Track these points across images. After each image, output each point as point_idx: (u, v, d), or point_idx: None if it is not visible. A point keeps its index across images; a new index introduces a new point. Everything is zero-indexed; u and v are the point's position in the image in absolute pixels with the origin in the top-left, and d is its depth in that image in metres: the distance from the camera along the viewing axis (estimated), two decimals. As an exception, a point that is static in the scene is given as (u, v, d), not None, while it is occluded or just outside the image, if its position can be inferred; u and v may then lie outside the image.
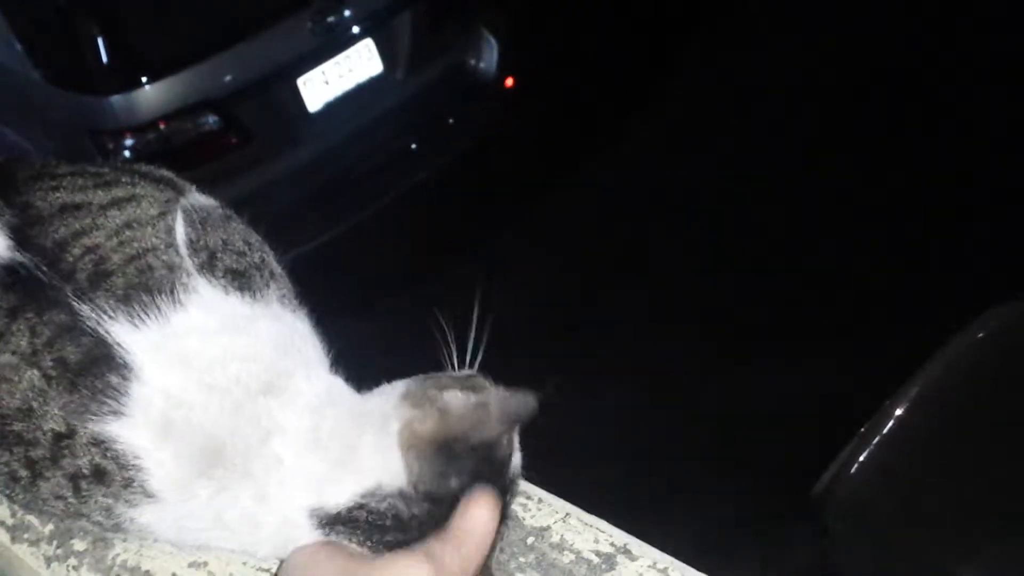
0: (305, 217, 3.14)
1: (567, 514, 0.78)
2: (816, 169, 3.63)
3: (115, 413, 0.64)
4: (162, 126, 2.78)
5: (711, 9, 4.60)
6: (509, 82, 3.57)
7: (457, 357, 0.74)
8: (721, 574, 0.73)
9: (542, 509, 0.79)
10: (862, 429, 1.81)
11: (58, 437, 0.64)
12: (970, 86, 3.82)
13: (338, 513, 0.66)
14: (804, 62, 4.06)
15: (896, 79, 3.97)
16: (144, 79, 2.75)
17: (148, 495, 0.65)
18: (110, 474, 0.64)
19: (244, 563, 0.77)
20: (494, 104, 3.59)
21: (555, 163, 3.82)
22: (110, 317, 0.65)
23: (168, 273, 0.67)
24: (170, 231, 0.70)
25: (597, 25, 4.39)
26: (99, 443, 0.64)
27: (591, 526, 0.77)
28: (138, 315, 0.65)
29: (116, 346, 0.64)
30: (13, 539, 0.80)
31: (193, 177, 0.80)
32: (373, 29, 3.15)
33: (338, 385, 0.72)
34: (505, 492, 0.70)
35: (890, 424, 1.79)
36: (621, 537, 0.76)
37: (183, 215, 0.72)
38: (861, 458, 1.77)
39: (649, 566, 0.74)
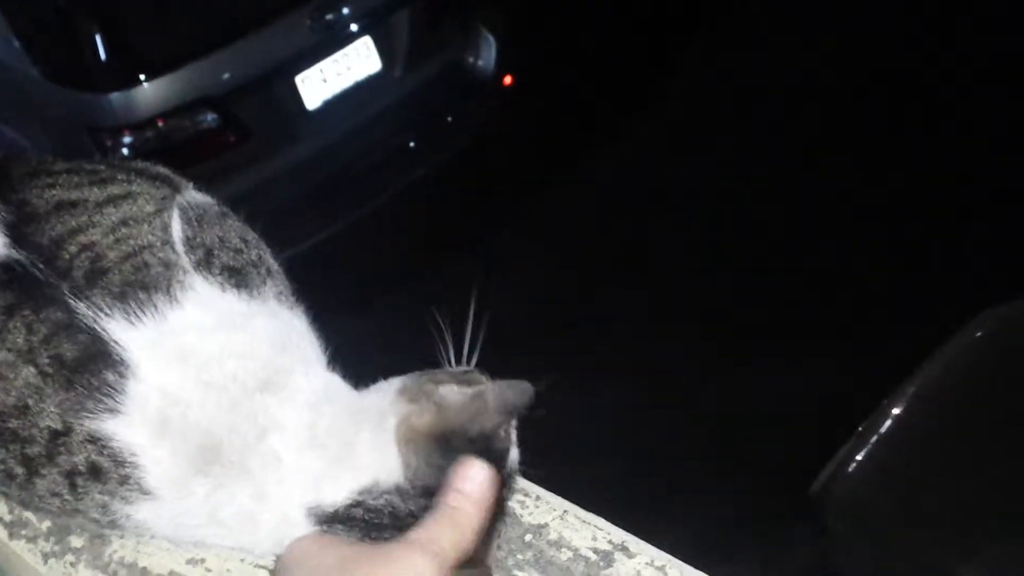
0: (303, 214, 3.14)
1: (565, 511, 0.79)
2: (816, 169, 3.63)
3: (111, 411, 0.64)
4: (160, 123, 2.78)
5: (711, 9, 4.59)
6: (507, 80, 3.57)
7: (454, 354, 0.74)
8: (721, 573, 0.73)
9: (540, 506, 0.79)
10: (860, 428, 1.81)
11: (54, 434, 0.64)
12: (970, 86, 3.81)
13: (335, 511, 0.66)
14: (804, 62, 4.05)
15: (896, 79, 3.97)
16: (143, 76, 2.74)
17: (145, 492, 0.65)
18: (106, 471, 0.65)
19: (242, 560, 0.77)
20: (492, 102, 3.59)
21: (554, 161, 3.82)
22: (106, 315, 0.65)
23: (164, 270, 0.67)
24: (166, 228, 0.70)
25: (597, 24, 4.39)
26: (95, 440, 0.64)
27: (589, 523, 0.77)
28: (134, 312, 0.65)
29: (113, 343, 0.64)
30: (11, 535, 0.80)
31: (191, 175, 0.81)
32: (371, 27, 3.15)
33: (335, 382, 0.72)
34: (503, 486, 0.70)
35: (888, 423, 1.79)
36: (619, 534, 0.76)
37: (179, 212, 0.72)
38: (859, 457, 1.77)
39: (647, 563, 0.74)
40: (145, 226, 0.70)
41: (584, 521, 0.78)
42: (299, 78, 3.04)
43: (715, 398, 2.91)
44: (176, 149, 2.81)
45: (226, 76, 2.87)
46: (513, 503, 0.78)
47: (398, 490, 0.67)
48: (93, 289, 0.65)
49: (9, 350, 0.65)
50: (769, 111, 3.93)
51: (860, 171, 3.62)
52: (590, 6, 4.41)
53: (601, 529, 0.77)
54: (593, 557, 0.75)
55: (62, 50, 2.80)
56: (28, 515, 0.80)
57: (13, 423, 0.65)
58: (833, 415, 2.04)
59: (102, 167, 0.76)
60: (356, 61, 3.16)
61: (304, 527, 0.67)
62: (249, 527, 0.67)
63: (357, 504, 0.66)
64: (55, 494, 0.66)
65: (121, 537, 0.77)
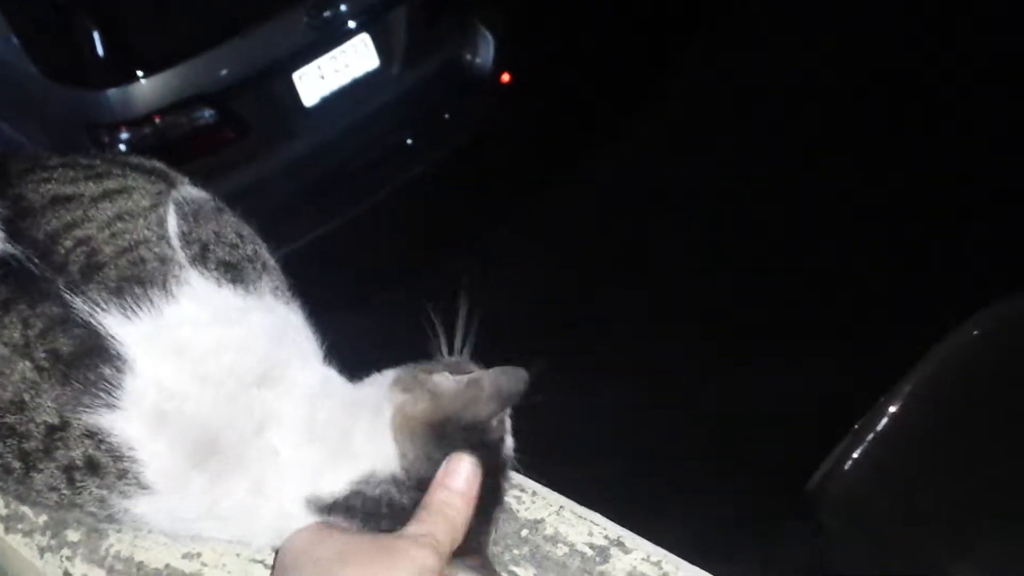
0: (301, 211, 3.14)
1: (561, 507, 0.79)
2: (816, 169, 3.63)
3: (108, 405, 0.64)
4: (158, 120, 2.78)
5: (711, 8, 4.59)
6: (505, 77, 3.57)
7: (447, 346, 0.74)
8: (721, 573, 0.72)
9: (536, 502, 0.79)
10: (856, 426, 1.81)
11: (51, 429, 0.64)
12: (970, 86, 3.81)
13: (334, 502, 0.67)
14: (804, 62, 4.05)
15: (896, 79, 3.97)
16: (140, 73, 2.75)
17: (142, 487, 0.65)
18: (104, 466, 0.65)
19: (237, 554, 0.77)
20: (490, 99, 3.59)
21: (554, 160, 3.82)
22: (103, 309, 0.65)
23: (160, 265, 0.68)
24: (162, 223, 0.71)
25: (597, 24, 4.39)
26: (92, 435, 0.64)
27: (585, 519, 0.77)
28: (131, 307, 0.65)
29: (109, 338, 0.64)
30: (7, 529, 0.80)
31: (189, 171, 0.81)
32: (369, 24, 3.15)
33: (332, 376, 0.73)
34: (499, 474, 0.70)
35: (884, 421, 1.78)
36: (615, 530, 0.76)
37: (175, 208, 0.72)
38: (855, 455, 1.76)
39: (643, 559, 0.74)
40: (141, 221, 0.70)
41: (580, 516, 0.78)
42: (297, 75, 3.04)
43: (715, 398, 2.91)
44: (173, 145, 2.81)
45: (224, 73, 2.88)
46: (510, 499, 0.78)
47: (394, 480, 0.67)
48: (89, 284, 0.65)
49: (5, 344, 0.65)
50: (769, 111, 3.93)
51: (860, 171, 3.62)
52: (590, 5, 4.41)
53: (597, 524, 0.77)
54: (589, 552, 0.75)
55: (60, 47, 2.81)
56: (24, 509, 0.81)
57: (10, 418, 0.65)
58: (833, 415, 2.04)
59: (97, 162, 0.76)
60: (354, 58, 3.16)
61: (303, 518, 0.67)
62: (248, 520, 0.68)
63: (356, 494, 0.67)
64: (53, 488, 0.66)
65: (118, 531, 0.77)
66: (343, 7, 3.03)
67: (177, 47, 2.80)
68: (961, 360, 1.83)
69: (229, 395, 0.66)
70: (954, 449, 1.76)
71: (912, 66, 3.95)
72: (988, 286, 2.08)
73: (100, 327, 0.64)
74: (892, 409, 1.79)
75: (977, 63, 3.88)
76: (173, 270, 0.68)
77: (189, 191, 0.76)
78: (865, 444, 1.77)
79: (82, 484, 0.65)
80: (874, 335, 2.94)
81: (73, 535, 0.79)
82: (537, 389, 0.69)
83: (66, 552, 0.78)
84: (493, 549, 0.73)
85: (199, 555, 0.77)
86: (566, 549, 0.76)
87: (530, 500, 0.79)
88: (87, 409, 0.64)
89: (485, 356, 0.74)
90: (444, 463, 0.66)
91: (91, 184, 0.72)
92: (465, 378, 0.69)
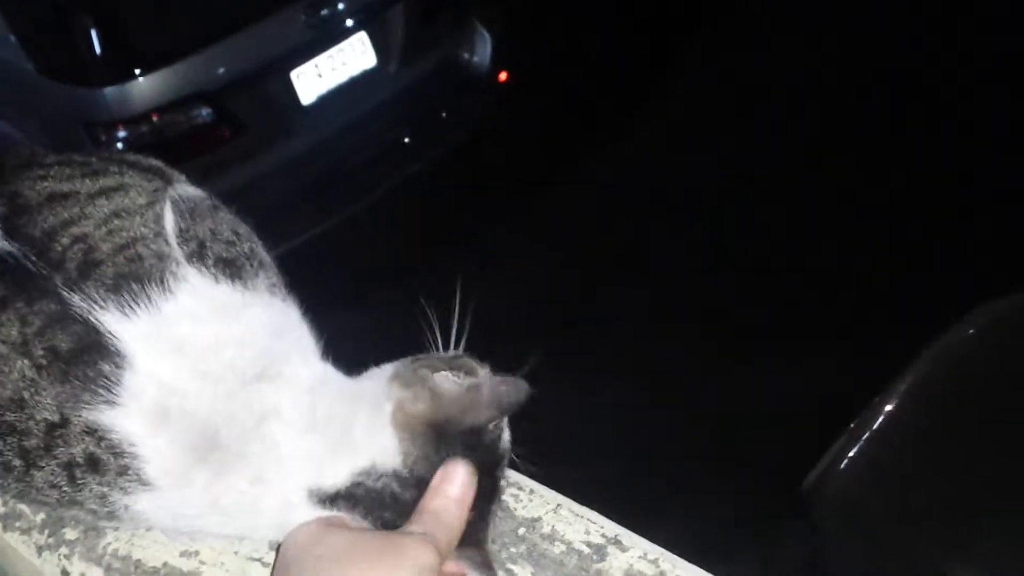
0: (298, 209, 3.15)
1: (558, 505, 0.79)
2: (818, 169, 3.63)
3: (109, 402, 0.64)
4: (155, 118, 2.78)
5: (713, 8, 4.59)
6: (503, 76, 3.58)
7: (442, 339, 0.75)
8: (721, 573, 0.72)
9: (533, 500, 0.79)
10: (851, 425, 1.80)
11: (51, 427, 0.64)
12: (971, 86, 3.81)
13: (336, 492, 0.67)
14: (806, 62, 4.05)
15: (898, 79, 3.97)
16: (137, 71, 2.75)
17: (143, 483, 0.65)
18: (105, 463, 0.65)
19: (235, 552, 0.77)
20: (487, 98, 3.60)
21: (555, 160, 3.82)
22: (100, 306, 0.65)
23: (158, 262, 0.68)
24: (159, 220, 0.71)
25: (599, 23, 4.39)
26: (93, 432, 0.64)
27: (582, 517, 0.77)
28: (128, 304, 0.65)
29: (107, 335, 0.64)
30: (5, 528, 0.80)
31: (186, 169, 0.81)
32: (366, 22, 3.15)
33: (330, 370, 0.73)
34: (495, 469, 0.70)
35: (879, 420, 1.78)
36: (612, 528, 0.76)
37: (172, 205, 0.72)
38: (850, 454, 1.76)
39: (640, 557, 0.74)
40: (137, 218, 0.70)
41: (577, 515, 0.78)
42: (294, 73, 3.04)
43: (715, 398, 2.91)
44: (170, 144, 2.81)
45: (221, 71, 2.88)
46: (507, 497, 0.78)
47: (396, 475, 0.67)
48: (86, 281, 0.65)
49: (3, 342, 0.65)
50: (771, 111, 3.93)
51: (861, 171, 3.62)
52: (592, 5, 4.41)
53: (594, 523, 0.77)
54: (586, 550, 0.75)
55: (57, 45, 2.81)
56: (22, 507, 0.81)
57: (10, 416, 0.65)
58: (833, 415, 2.03)
59: (93, 160, 0.76)
60: (351, 56, 3.16)
61: (305, 510, 0.67)
62: (250, 514, 0.68)
63: (357, 485, 0.67)
64: (54, 486, 0.66)
65: (116, 529, 0.77)
66: (340, 5, 3.04)
67: (174, 45, 2.81)
68: (955, 358, 1.83)
69: (229, 390, 0.66)
70: (949, 448, 1.76)
71: (913, 66, 3.95)
72: (989, 286, 2.08)
73: (98, 324, 0.64)
74: (887, 408, 1.79)
75: (978, 63, 3.88)
76: (170, 267, 0.68)
77: (185, 189, 0.76)
78: (860, 443, 1.77)
79: (83, 481, 0.66)
80: (874, 335, 2.94)
81: (71, 533, 0.79)
82: (535, 385, 0.70)
83: (64, 550, 0.78)
84: (491, 547, 0.73)
85: (197, 553, 0.77)
86: (563, 547, 0.76)
87: (527, 498, 0.79)
88: (87, 406, 0.64)
89: (485, 356, 0.75)
90: (440, 469, 0.67)
91: (87, 181, 0.72)
92: (466, 382, 0.69)
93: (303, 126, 3.14)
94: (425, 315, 0.74)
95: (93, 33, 2.68)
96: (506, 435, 0.72)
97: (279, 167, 3.11)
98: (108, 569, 0.77)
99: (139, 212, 0.70)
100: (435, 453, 0.68)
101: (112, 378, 0.64)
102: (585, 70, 4.15)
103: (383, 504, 0.67)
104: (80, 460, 0.65)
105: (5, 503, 0.81)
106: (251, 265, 0.72)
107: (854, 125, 3.83)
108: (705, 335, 3.07)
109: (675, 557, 0.74)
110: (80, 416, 0.64)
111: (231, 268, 0.70)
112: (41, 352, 0.64)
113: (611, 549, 0.75)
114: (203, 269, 0.69)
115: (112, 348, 0.64)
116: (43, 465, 0.65)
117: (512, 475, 0.77)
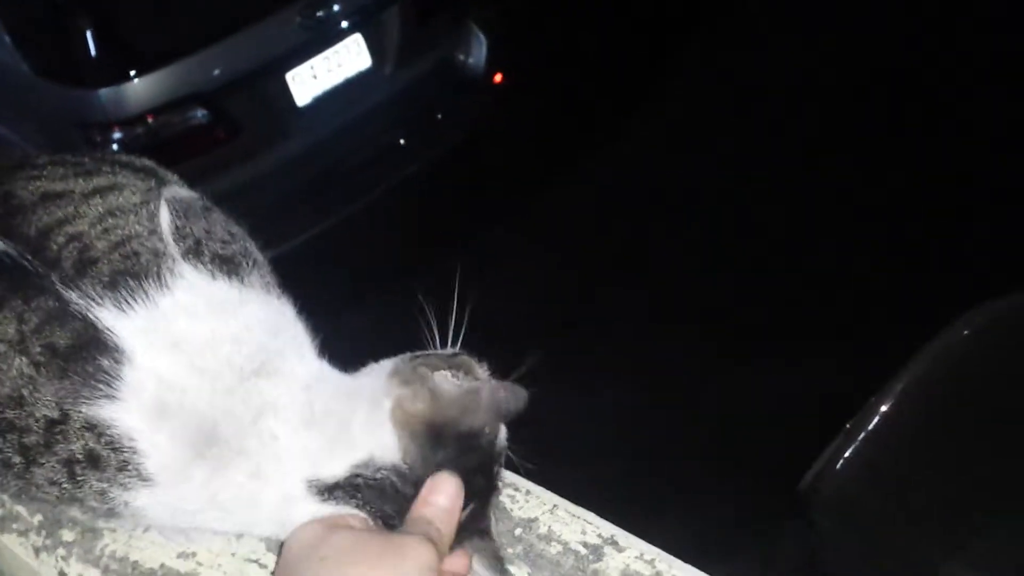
0: (295, 211, 3.14)
1: (555, 506, 0.79)
2: (816, 169, 3.63)
3: (108, 396, 0.64)
4: (150, 120, 2.78)
5: (711, 8, 4.59)
6: (498, 77, 3.57)
7: (439, 337, 0.75)
8: (721, 573, 0.72)
9: (530, 501, 0.79)
10: (847, 425, 1.80)
11: (51, 423, 0.64)
12: (970, 86, 3.81)
13: (335, 483, 0.67)
14: (804, 62, 4.05)
15: (896, 79, 3.97)
16: (133, 72, 2.74)
17: (143, 479, 0.66)
18: (104, 458, 0.65)
19: (233, 554, 0.77)
20: (483, 99, 3.60)
21: (553, 160, 3.82)
22: (98, 303, 0.65)
23: (153, 259, 0.68)
24: (153, 218, 0.71)
25: (597, 24, 4.39)
26: (92, 428, 0.64)
27: (579, 517, 0.77)
28: (125, 300, 0.66)
29: (105, 331, 0.65)
30: (2, 529, 0.80)
31: (181, 171, 0.81)
32: (362, 24, 3.15)
33: (327, 367, 0.73)
34: (491, 467, 0.71)
35: (876, 420, 1.78)
36: (608, 528, 0.76)
37: (166, 205, 0.73)
38: (847, 454, 1.76)
39: (636, 557, 0.74)
40: (132, 216, 0.70)
41: (574, 515, 0.78)
42: (290, 75, 3.04)
43: (715, 398, 2.91)
44: (166, 145, 2.81)
45: (216, 72, 2.87)
46: (503, 498, 0.78)
47: (395, 470, 0.68)
48: (83, 278, 0.66)
49: (1, 340, 0.65)
50: (769, 111, 3.93)
51: (860, 171, 3.62)
52: (590, 6, 4.41)
53: (591, 523, 0.77)
54: (583, 551, 0.75)
55: (53, 46, 2.80)
56: (19, 508, 0.81)
57: (9, 413, 0.65)
58: (833, 415, 2.03)
59: (86, 160, 0.77)
60: (347, 58, 3.16)
61: (305, 503, 0.67)
62: (250, 508, 0.68)
63: (356, 476, 0.67)
64: (54, 483, 0.66)
65: (114, 531, 0.78)
66: (336, 7, 3.03)
67: (170, 46, 2.80)
68: (953, 359, 1.83)
69: (227, 386, 0.66)
70: (945, 448, 1.75)
71: (912, 66, 3.95)
72: (988, 286, 2.08)
73: (96, 320, 0.65)
74: (883, 408, 1.79)
75: (977, 63, 3.88)
76: (167, 263, 0.68)
77: (177, 191, 0.76)
78: (856, 443, 1.76)
79: (83, 477, 0.66)
80: (874, 335, 2.94)
81: (68, 534, 0.79)
82: (534, 385, 0.70)
83: (61, 552, 0.78)
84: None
85: (194, 555, 0.77)
86: (560, 548, 0.76)
87: (524, 499, 0.79)
88: (87, 401, 0.64)
89: (484, 356, 0.75)
90: (429, 480, 0.68)
91: (81, 181, 0.72)
92: (465, 383, 0.70)
93: (299, 127, 3.14)
94: (423, 312, 0.74)
95: (89, 34, 2.67)
96: (503, 435, 0.72)
97: (275, 168, 3.11)
98: (105, 570, 0.77)
99: (133, 211, 0.71)
100: (432, 453, 0.68)
101: (111, 373, 0.64)
102: (583, 70, 4.14)
103: (384, 496, 0.67)
104: (80, 456, 0.65)
105: (2, 505, 0.81)
106: (247, 263, 0.72)
107: (852, 125, 3.83)
108: (705, 335, 3.07)
109: (671, 557, 0.74)
110: (80, 411, 0.64)
111: (228, 265, 0.70)
112: (39, 349, 0.64)
113: (608, 549, 0.75)
114: (200, 265, 0.69)
115: (110, 344, 0.64)
116: (43, 462, 0.66)
117: (508, 476, 0.77)
